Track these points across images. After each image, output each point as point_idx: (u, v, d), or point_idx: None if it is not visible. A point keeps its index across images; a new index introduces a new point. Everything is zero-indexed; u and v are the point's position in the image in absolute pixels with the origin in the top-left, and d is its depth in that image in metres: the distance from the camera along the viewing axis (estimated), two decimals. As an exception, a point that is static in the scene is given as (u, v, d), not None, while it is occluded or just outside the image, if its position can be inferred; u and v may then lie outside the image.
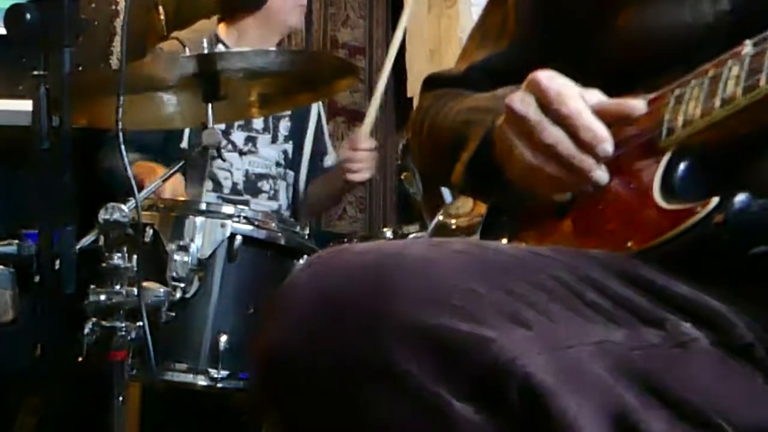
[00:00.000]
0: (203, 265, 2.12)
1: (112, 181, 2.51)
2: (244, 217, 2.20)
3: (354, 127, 3.63)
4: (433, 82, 1.31)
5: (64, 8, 1.80)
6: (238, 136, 2.91)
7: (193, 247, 2.11)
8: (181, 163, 2.22)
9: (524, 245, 1.04)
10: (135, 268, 1.93)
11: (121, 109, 1.87)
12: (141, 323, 1.90)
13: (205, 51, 2.29)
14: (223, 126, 2.83)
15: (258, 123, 2.93)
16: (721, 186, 0.88)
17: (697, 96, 0.91)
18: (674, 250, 0.88)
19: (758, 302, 0.87)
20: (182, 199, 2.25)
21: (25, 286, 2.01)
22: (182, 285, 2.07)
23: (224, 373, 2.10)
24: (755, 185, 0.87)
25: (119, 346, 1.91)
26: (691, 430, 0.78)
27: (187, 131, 2.79)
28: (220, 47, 2.85)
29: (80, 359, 1.91)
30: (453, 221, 2.27)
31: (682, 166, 0.93)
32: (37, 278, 1.84)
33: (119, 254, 1.92)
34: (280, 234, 2.26)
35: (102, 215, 1.89)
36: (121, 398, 1.91)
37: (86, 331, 1.91)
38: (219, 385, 2.11)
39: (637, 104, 0.97)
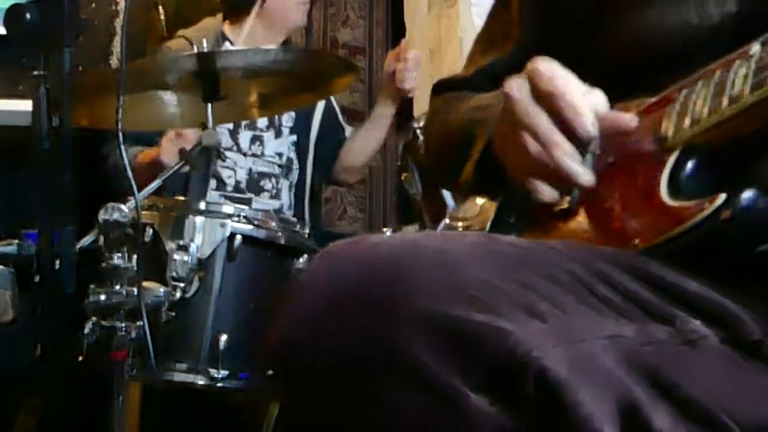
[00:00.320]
0: (203, 265, 2.12)
1: (116, 178, 2.50)
2: (244, 217, 2.20)
3: (353, 126, 3.63)
4: (440, 87, 1.32)
5: (64, 8, 1.80)
6: (245, 136, 2.91)
7: (193, 247, 2.11)
8: (181, 163, 2.22)
9: (534, 239, 1.05)
10: (135, 268, 1.93)
11: (121, 109, 1.87)
12: (141, 323, 1.90)
13: (206, 49, 2.28)
14: (231, 125, 2.84)
15: (262, 121, 2.94)
16: (728, 184, 0.88)
17: (705, 95, 0.92)
18: (681, 247, 0.88)
19: (767, 299, 0.87)
20: (182, 199, 2.25)
21: (25, 286, 2.01)
22: (182, 285, 2.07)
23: (224, 372, 2.10)
24: (763, 183, 0.87)
25: (119, 346, 1.91)
26: (698, 427, 0.78)
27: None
28: (227, 45, 2.85)
29: (80, 359, 1.92)
30: (460, 224, 2.27)
31: (689, 164, 0.93)
32: (37, 278, 1.83)
33: (119, 254, 1.92)
34: (280, 233, 2.26)
35: (102, 215, 1.89)
36: (121, 398, 1.91)
37: (86, 331, 1.91)
38: (219, 384, 2.11)
39: (631, 119, 0.97)
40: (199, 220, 2.15)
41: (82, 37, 2.25)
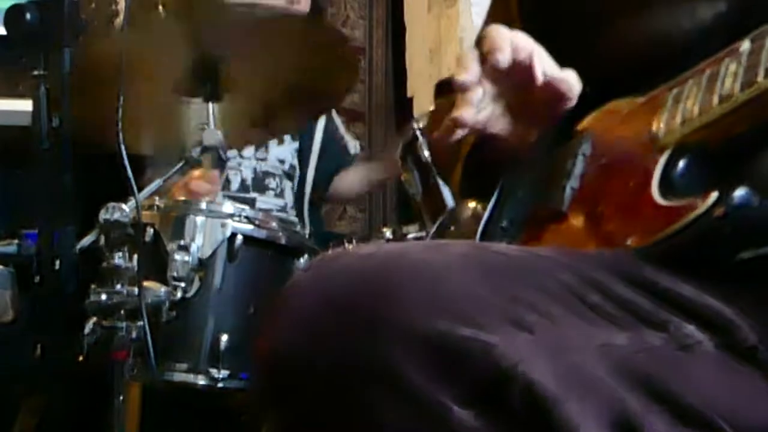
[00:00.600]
0: (204, 265, 2.12)
1: None
2: (245, 217, 2.20)
3: (353, 126, 3.62)
4: (443, 87, 1.32)
5: (64, 8, 1.80)
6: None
7: (193, 247, 2.11)
8: (181, 164, 2.22)
9: (525, 247, 1.04)
10: (135, 268, 1.92)
11: (121, 109, 1.87)
12: (141, 323, 1.90)
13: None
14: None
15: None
16: (720, 183, 0.88)
17: (695, 93, 0.92)
18: (675, 246, 0.88)
19: (761, 304, 0.86)
20: (182, 199, 2.25)
21: (25, 286, 2.01)
22: (183, 285, 2.07)
23: (224, 373, 2.10)
24: (755, 181, 0.87)
25: (120, 346, 1.90)
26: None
27: None
28: None
29: (80, 359, 1.91)
30: (452, 227, 2.26)
31: (681, 163, 0.93)
32: (37, 278, 1.84)
33: (120, 254, 1.92)
34: (280, 234, 2.25)
35: (102, 215, 1.89)
36: (121, 398, 1.90)
37: (86, 331, 1.91)
38: (219, 385, 2.10)
39: (576, 87, 1.00)
40: (199, 220, 2.15)
41: (82, 37, 2.25)
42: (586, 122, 1.07)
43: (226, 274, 2.15)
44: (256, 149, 2.93)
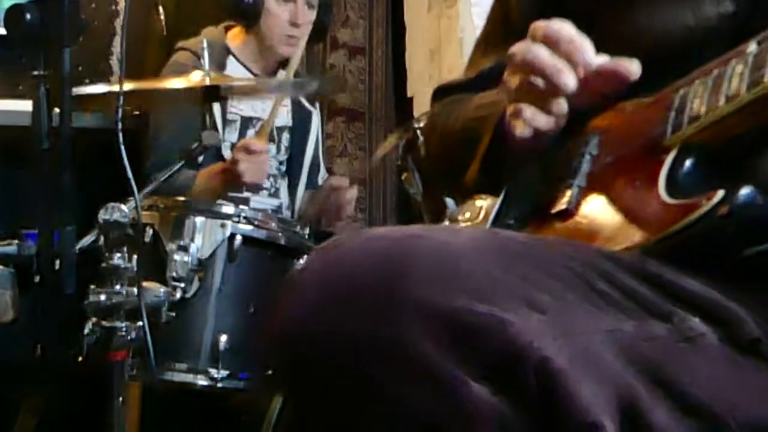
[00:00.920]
0: (203, 265, 2.12)
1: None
2: (244, 217, 2.20)
3: (353, 126, 3.62)
4: (441, 93, 1.32)
5: (64, 8, 1.80)
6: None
7: (193, 247, 2.11)
8: (180, 164, 2.22)
9: (534, 235, 1.05)
10: (135, 268, 1.93)
11: (121, 109, 1.87)
12: (141, 323, 1.90)
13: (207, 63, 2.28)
14: (235, 137, 2.83)
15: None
16: (726, 182, 0.88)
17: (702, 93, 0.92)
18: (680, 244, 0.88)
19: (765, 298, 0.87)
20: (182, 199, 2.25)
21: (25, 286, 2.02)
22: (182, 285, 2.07)
23: (224, 373, 2.10)
24: (761, 181, 0.87)
25: (119, 346, 1.91)
26: (696, 423, 0.78)
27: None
28: (231, 59, 2.83)
29: (80, 359, 1.91)
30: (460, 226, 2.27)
31: (687, 162, 0.94)
32: (37, 278, 1.84)
33: (119, 254, 1.92)
34: (280, 234, 2.26)
35: (102, 215, 1.89)
36: (121, 398, 1.91)
37: (86, 331, 1.91)
38: (219, 385, 2.11)
39: (635, 67, 0.98)
40: (199, 220, 2.15)
41: (82, 37, 2.25)
42: (593, 121, 1.08)
43: (226, 274, 2.16)
44: None
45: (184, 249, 2.10)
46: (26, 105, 1.93)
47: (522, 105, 1.03)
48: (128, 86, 2.17)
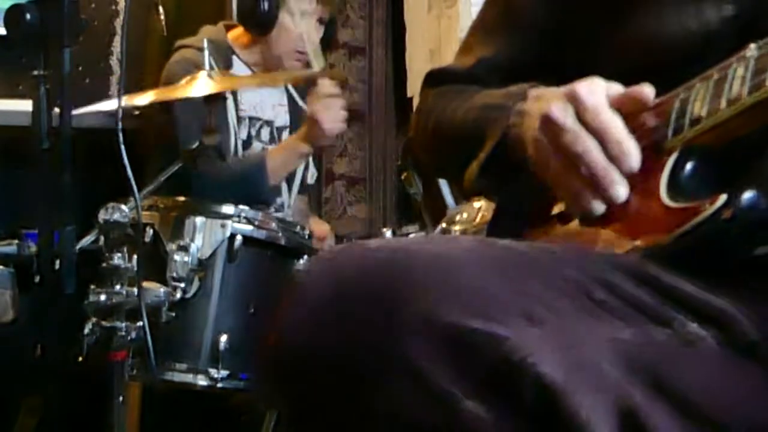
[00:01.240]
0: (203, 265, 2.12)
1: (201, 187, 2.51)
2: (244, 217, 2.20)
3: (353, 126, 3.62)
4: (435, 79, 1.30)
5: (64, 8, 1.81)
6: (257, 147, 2.89)
7: (193, 247, 2.11)
8: (180, 164, 2.22)
9: (532, 243, 1.05)
10: (135, 268, 1.93)
11: (121, 109, 1.87)
12: (141, 323, 1.90)
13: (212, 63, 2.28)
14: (244, 137, 2.83)
15: (265, 134, 2.93)
16: (728, 185, 0.89)
17: (703, 96, 0.92)
18: (682, 247, 0.88)
19: (765, 301, 0.87)
20: (182, 199, 2.25)
21: (25, 286, 2.02)
22: (182, 285, 2.07)
23: (224, 373, 2.10)
24: (763, 183, 0.87)
25: (119, 346, 1.91)
26: (697, 428, 0.78)
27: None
28: (235, 59, 2.83)
29: (80, 359, 1.91)
30: (457, 228, 2.27)
31: (688, 166, 0.94)
32: (37, 278, 1.84)
33: (119, 254, 1.92)
34: (280, 234, 2.26)
35: (102, 215, 1.89)
36: (121, 398, 1.91)
37: (86, 331, 1.91)
38: (219, 385, 2.11)
39: (647, 90, 0.97)
40: (199, 220, 2.15)
41: (82, 37, 2.25)
42: None
43: (226, 274, 2.16)
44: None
45: (184, 249, 2.10)
46: (26, 105, 1.93)
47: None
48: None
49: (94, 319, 1.91)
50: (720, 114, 0.89)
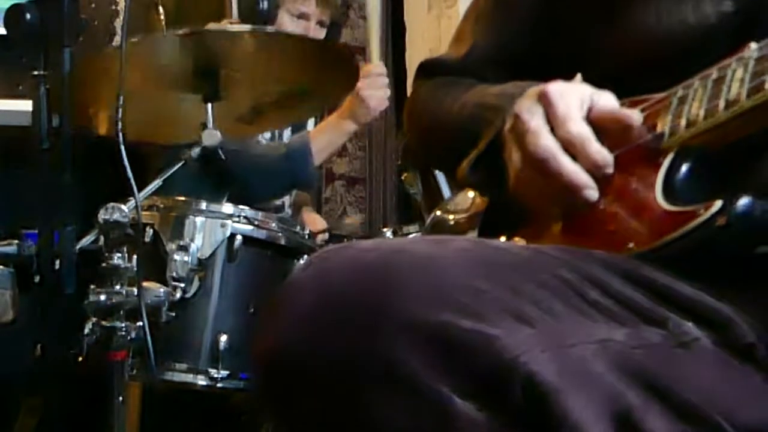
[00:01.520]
0: (203, 265, 2.12)
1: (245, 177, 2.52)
2: (244, 217, 2.20)
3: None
4: (429, 69, 1.29)
5: (64, 8, 1.81)
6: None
7: (193, 247, 2.11)
8: (180, 163, 2.22)
9: (526, 244, 1.04)
10: (135, 268, 1.93)
11: (121, 109, 1.87)
12: (141, 323, 1.90)
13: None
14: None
15: (266, 134, 2.93)
16: (723, 188, 0.88)
17: (701, 97, 0.92)
18: (676, 251, 0.88)
19: (759, 302, 0.87)
20: (182, 199, 2.25)
21: (25, 286, 2.01)
22: (182, 285, 2.07)
23: (224, 373, 2.10)
24: (758, 187, 0.87)
25: (119, 346, 1.91)
26: (692, 428, 0.77)
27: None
28: None
29: (80, 359, 1.91)
30: (451, 217, 2.26)
31: (684, 167, 0.93)
32: (37, 278, 1.84)
33: (119, 254, 1.92)
34: (280, 234, 2.26)
35: (102, 215, 1.89)
36: (121, 398, 1.91)
37: (86, 331, 1.91)
38: (219, 385, 2.10)
39: (635, 115, 0.97)
40: (199, 220, 2.15)
41: (82, 37, 2.25)
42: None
43: (226, 274, 2.16)
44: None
45: (184, 249, 2.10)
46: (26, 105, 1.93)
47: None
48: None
49: (94, 319, 1.91)
50: (717, 116, 0.89)
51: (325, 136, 2.70)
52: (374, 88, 2.60)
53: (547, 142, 0.96)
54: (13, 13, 1.84)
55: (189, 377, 2.11)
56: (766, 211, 0.86)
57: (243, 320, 2.15)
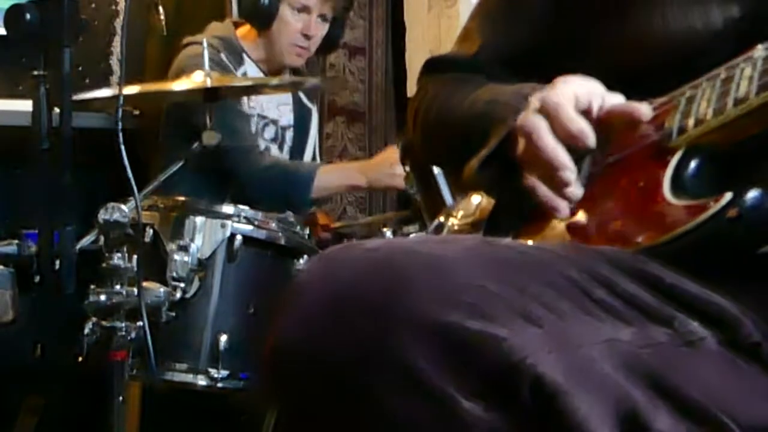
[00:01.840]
0: (203, 265, 2.12)
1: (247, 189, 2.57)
2: (244, 217, 2.20)
3: (353, 126, 3.62)
4: (435, 66, 1.29)
5: (64, 8, 1.81)
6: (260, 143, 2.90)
7: (193, 247, 2.11)
8: (180, 163, 2.22)
9: (532, 243, 1.04)
10: (135, 268, 1.93)
11: (121, 109, 1.87)
12: (141, 323, 1.90)
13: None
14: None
15: (269, 132, 2.93)
16: (731, 184, 0.88)
17: (709, 96, 0.92)
18: (685, 246, 0.88)
19: (766, 300, 0.87)
20: (182, 199, 2.25)
21: (25, 286, 2.01)
22: (182, 285, 2.07)
23: (224, 373, 2.10)
24: (766, 184, 0.87)
25: (119, 346, 1.91)
26: (698, 428, 0.78)
27: None
28: (245, 57, 2.83)
29: (80, 359, 1.92)
30: (455, 222, 2.26)
31: (692, 164, 0.93)
32: (37, 278, 1.84)
33: (119, 254, 1.92)
34: (280, 234, 2.26)
35: (102, 215, 1.89)
36: (121, 398, 1.91)
37: (86, 331, 1.91)
38: (219, 385, 2.11)
39: (645, 109, 0.97)
40: (199, 220, 2.15)
41: (82, 37, 2.25)
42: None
43: (226, 274, 2.16)
44: None
45: (184, 249, 2.10)
46: (26, 105, 1.93)
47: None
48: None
49: (94, 319, 1.91)
50: (726, 114, 0.89)
51: (332, 176, 2.77)
52: (400, 171, 2.63)
53: (534, 117, 0.98)
54: (13, 13, 1.84)
55: (189, 377, 2.11)
56: None
57: (243, 320, 2.15)
